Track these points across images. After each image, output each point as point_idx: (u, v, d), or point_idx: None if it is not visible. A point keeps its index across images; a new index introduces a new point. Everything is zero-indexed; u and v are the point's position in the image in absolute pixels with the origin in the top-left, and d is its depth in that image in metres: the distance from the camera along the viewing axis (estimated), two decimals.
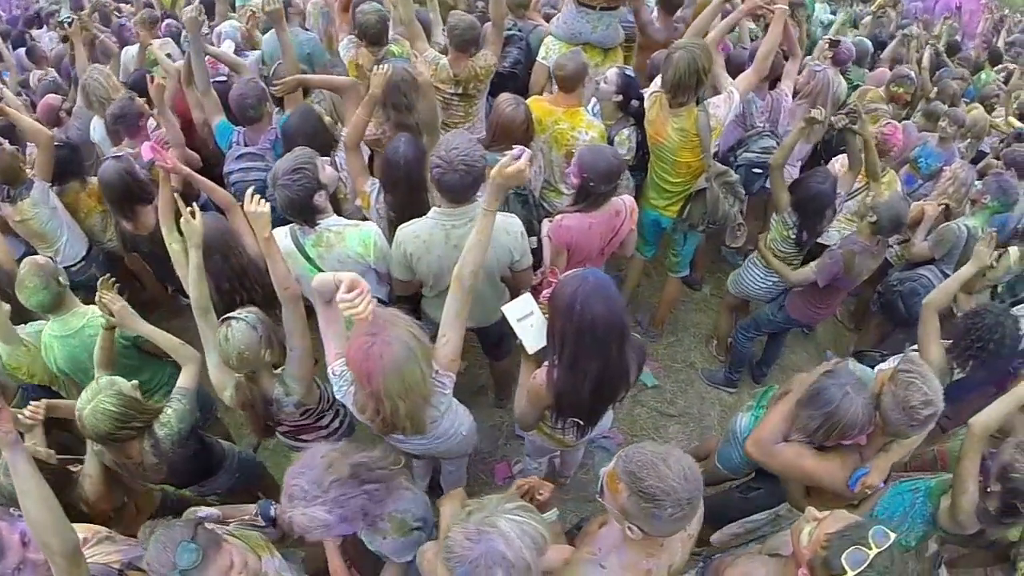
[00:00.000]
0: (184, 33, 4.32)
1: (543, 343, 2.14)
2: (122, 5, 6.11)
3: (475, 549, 1.37)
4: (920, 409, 1.97)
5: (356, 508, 1.74)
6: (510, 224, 2.56)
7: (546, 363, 2.12)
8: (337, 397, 2.14)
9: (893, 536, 1.52)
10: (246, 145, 3.30)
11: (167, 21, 5.03)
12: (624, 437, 3.70)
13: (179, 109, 3.84)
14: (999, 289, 3.96)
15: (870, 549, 1.50)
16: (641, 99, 3.31)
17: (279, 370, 2.41)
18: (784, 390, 2.43)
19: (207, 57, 3.40)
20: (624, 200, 2.88)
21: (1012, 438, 2.25)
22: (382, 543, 2.00)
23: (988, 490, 2.18)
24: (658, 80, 3.07)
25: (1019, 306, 3.60)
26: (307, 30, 4.42)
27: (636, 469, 1.49)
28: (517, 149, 2.02)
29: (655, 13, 4.08)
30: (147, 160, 2.92)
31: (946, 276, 3.63)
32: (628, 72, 3.31)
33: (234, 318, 2.24)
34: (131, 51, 4.72)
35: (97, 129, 3.88)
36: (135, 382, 2.30)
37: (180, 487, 2.69)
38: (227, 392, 2.36)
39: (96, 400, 2.12)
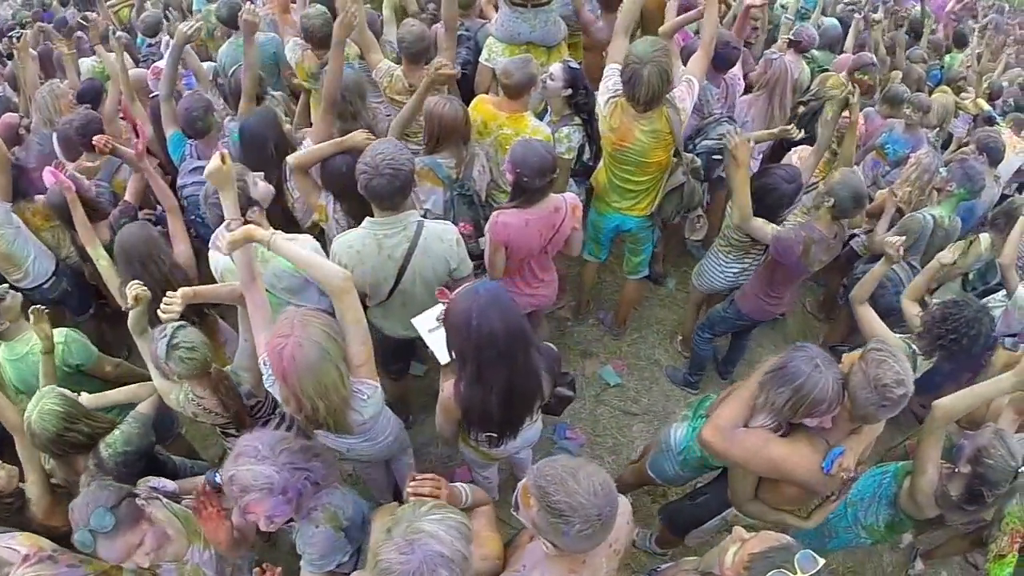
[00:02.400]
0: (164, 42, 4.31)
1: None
2: (89, 13, 6.08)
3: (412, 560, 1.38)
4: (893, 388, 1.86)
5: (299, 482, 1.80)
6: (444, 232, 2.53)
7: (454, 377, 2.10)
8: (267, 387, 2.18)
9: (821, 563, 1.45)
10: (199, 158, 3.29)
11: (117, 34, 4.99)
12: (587, 437, 3.68)
13: (129, 119, 3.85)
14: (970, 276, 3.93)
15: (794, 574, 1.43)
16: (588, 90, 3.26)
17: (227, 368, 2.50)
18: (726, 394, 2.37)
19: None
20: (565, 197, 2.84)
21: (992, 424, 2.27)
22: (314, 533, 2.00)
23: (956, 470, 2.17)
24: (608, 84, 2.99)
25: (991, 296, 3.57)
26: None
27: (545, 484, 1.47)
28: None
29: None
30: (50, 185, 2.97)
31: (912, 268, 3.60)
32: (572, 65, 3.25)
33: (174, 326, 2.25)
34: (87, 63, 4.69)
35: (57, 145, 3.85)
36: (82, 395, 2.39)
37: None
38: (172, 396, 2.39)
39: (40, 404, 2.21)
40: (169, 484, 2.30)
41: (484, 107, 3.20)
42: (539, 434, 2.75)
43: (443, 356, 2.16)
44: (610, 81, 3.00)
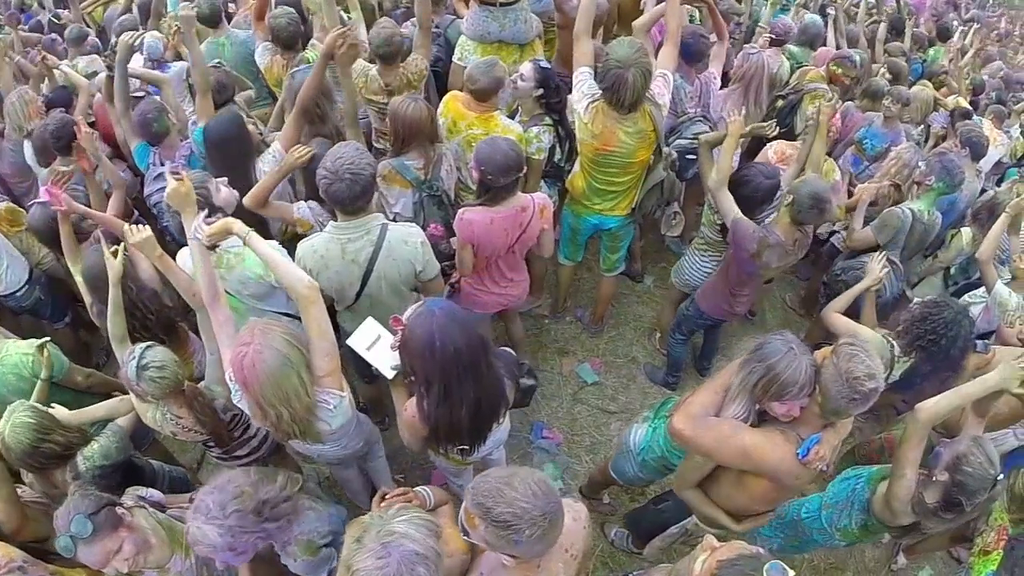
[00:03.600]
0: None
1: (399, 363, 2.12)
2: (62, 12, 6.04)
3: (390, 562, 1.40)
4: (864, 381, 1.83)
5: (248, 543, 1.82)
6: (408, 234, 2.52)
7: (414, 397, 2.08)
8: (235, 402, 2.20)
9: (791, 574, 1.44)
10: (162, 164, 3.26)
11: (89, 39, 4.97)
12: (564, 436, 3.67)
13: (102, 124, 3.81)
14: (952, 271, 3.93)
15: None
16: (559, 89, 3.22)
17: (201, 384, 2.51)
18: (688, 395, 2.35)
19: None
20: (533, 197, 2.82)
21: (967, 433, 2.23)
22: (295, 565, 2.10)
23: (933, 478, 2.13)
24: (583, 88, 2.93)
25: (973, 292, 3.56)
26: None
27: (484, 499, 1.47)
28: None
29: None
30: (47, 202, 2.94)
31: (892, 263, 3.59)
32: (543, 64, 3.20)
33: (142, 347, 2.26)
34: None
35: (28, 151, 3.81)
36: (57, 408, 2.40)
37: None
38: (149, 415, 2.38)
39: (12, 417, 2.20)
40: (156, 494, 2.33)
41: (454, 105, 3.18)
42: (508, 432, 2.76)
43: (388, 371, 2.15)
44: (584, 86, 2.94)
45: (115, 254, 2.46)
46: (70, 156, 3.45)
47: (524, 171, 2.73)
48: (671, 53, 3.07)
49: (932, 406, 2.17)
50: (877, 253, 3.19)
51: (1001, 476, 2.12)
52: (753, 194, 3.09)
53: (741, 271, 3.09)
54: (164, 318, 2.75)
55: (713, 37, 3.81)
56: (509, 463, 3.35)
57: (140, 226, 2.33)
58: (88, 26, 5.92)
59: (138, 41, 3.17)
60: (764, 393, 1.92)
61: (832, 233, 4.25)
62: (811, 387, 1.91)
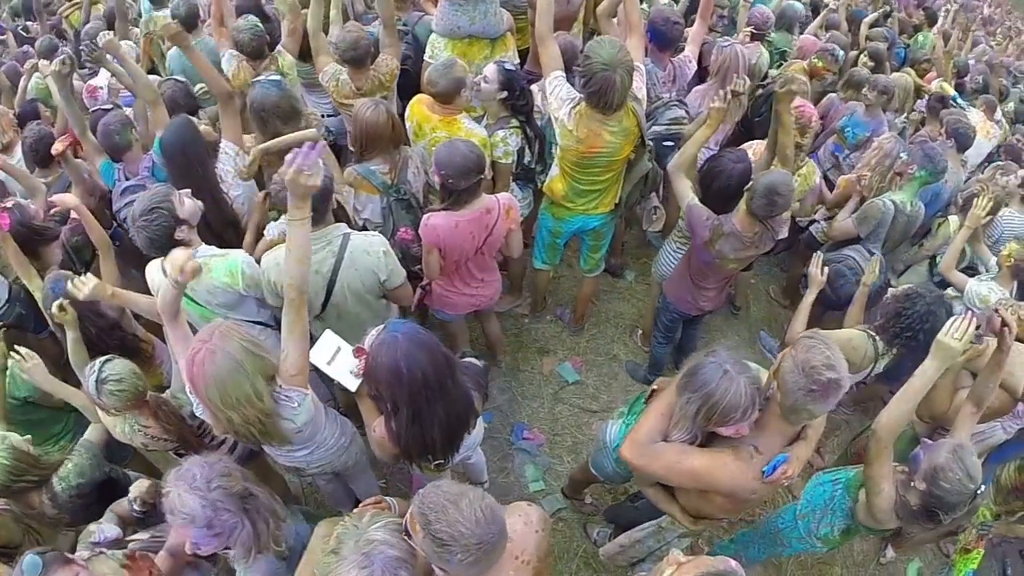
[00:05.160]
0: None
1: (357, 370, 2.12)
2: (31, 24, 6.00)
3: (374, 571, 1.45)
4: (822, 371, 1.79)
5: (227, 526, 1.76)
6: (370, 245, 2.51)
7: (382, 417, 2.08)
8: (196, 414, 2.21)
9: None
10: (127, 179, 3.23)
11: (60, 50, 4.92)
12: (546, 436, 3.66)
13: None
14: (938, 259, 3.88)
15: None
16: (525, 91, 3.18)
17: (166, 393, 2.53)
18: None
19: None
20: (499, 198, 2.79)
21: (951, 439, 2.15)
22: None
23: (912, 484, 2.07)
24: (560, 93, 2.87)
25: (975, 279, 3.50)
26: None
27: (428, 511, 1.46)
28: (306, 145, 1.89)
29: None
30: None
31: (873, 256, 3.55)
32: (507, 66, 3.15)
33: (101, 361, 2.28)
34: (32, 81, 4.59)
35: None
36: (28, 437, 2.35)
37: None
38: (118, 428, 2.38)
39: None
40: (110, 532, 2.26)
41: (419, 108, 3.14)
42: (482, 434, 2.77)
43: (351, 384, 2.15)
44: (561, 91, 2.87)
45: (62, 308, 2.45)
46: (48, 168, 3.46)
47: (485, 173, 2.70)
48: (637, 44, 3.01)
49: (887, 419, 2.14)
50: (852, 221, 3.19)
51: (982, 489, 2.05)
52: (727, 183, 3.02)
53: (699, 259, 3.06)
54: (127, 345, 2.77)
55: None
56: (490, 465, 3.36)
57: (84, 278, 2.34)
58: (64, 32, 5.91)
59: (61, 67, 3.07)
60: (707, 422, 1.90)
61: (812, 222, 4.21)
62: (755, 407, 1.87)
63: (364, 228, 3.03)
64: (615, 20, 3.33)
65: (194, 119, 3.11)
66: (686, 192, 2.94)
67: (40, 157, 3.46)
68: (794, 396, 1.85)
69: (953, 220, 3.85)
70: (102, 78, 4.08)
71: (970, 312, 2.08)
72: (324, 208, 2.37)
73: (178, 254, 2.30)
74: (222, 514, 1.73)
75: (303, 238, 2.03)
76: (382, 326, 2.03)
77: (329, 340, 2.20)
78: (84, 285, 2.32)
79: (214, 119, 3.58)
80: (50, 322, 2.70)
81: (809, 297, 3.01)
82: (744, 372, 1.86)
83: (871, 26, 5.57)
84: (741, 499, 2.07)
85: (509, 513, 1.84)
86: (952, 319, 2.05)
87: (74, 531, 2.69)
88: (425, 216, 2.72)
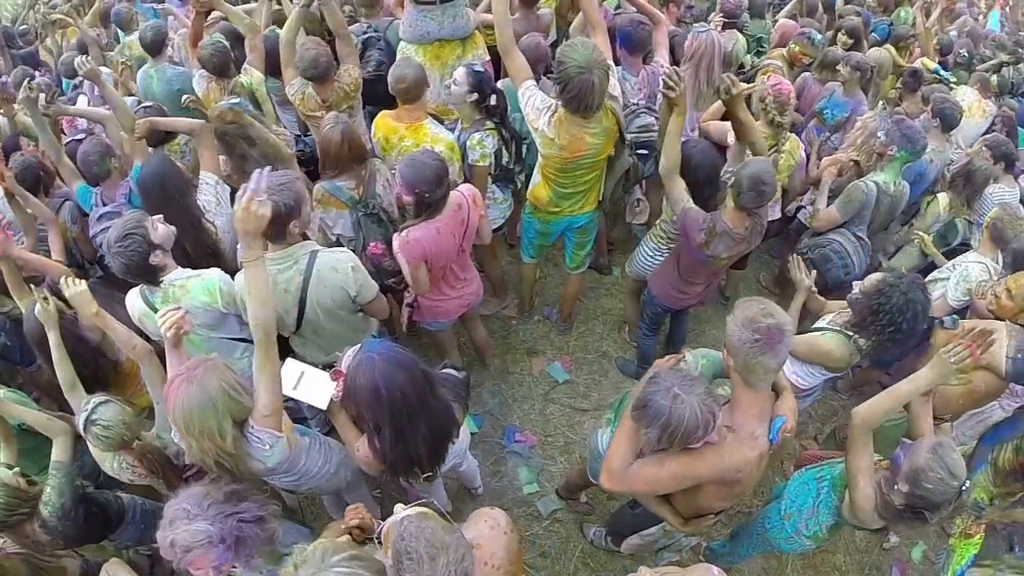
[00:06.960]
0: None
1: (331, 392, 2.12)
2: None
3: None
4: (759, 318, 1.83)
5: (231, 529, 1.79)
6: (338, 262, 2.49)
7: (364, 436, 2.10)
8: (175, 440, 2.22)
9: None
10: (104, 205, 3.27)
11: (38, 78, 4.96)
12: (538, 438, 3.65)
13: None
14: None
15: None
16: (496, 92, 3.16)
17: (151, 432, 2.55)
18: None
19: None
20: (461, 191, 2.79)
21: (930, 439, 2.10)
22: None
23: (895, 486, 2.04)
24: (534, 102, 2.84)
25: (937, 272, 3.49)
26: (176, 64, 4.30)
27: (406, 552, 1.46)
28: (252, 181, 1.88)
29: None
30: None
31: (859, 239, 3.51)
32: (477, 68, 3.13)
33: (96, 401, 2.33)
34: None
35: None
36: (16, 470, 2.40)
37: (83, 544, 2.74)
38: (107, 464, 2.44)
39: None
40: None
41: (384, 122, 3.14)
42: (467, 443, 2.79)
43: (322, 404, 2.15)
44: (535, 99, 2.83)
45: (46, 300, 2.48)
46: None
47: (458, 175, 2.72)
48: (603, 42, 2.96)
49: (866, 411, 2.14)
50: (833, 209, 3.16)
51: (967, 485, 2.04)
52: (698, 168, 2.99)
53: (692, 259, 3.03)
54: (101, 371, 2.78)
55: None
56: (482, 469, 3.38)
57: (75, 280, 2.39)
58: (41, 62, 5.96)
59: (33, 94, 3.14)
60: (671, 445, 1.90)
61: (799, 208, 4.16)
62: (715, 419, 1.86)
63: (338, 243, 3.03)
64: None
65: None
66: (681, 196, 2.89)
67: (29, 186, 3.47)
68: (743, 353, 1.87)
69: (942, 197, 3.79)
70: (82, 102, 4.11)
71: (974, 345, 2.04)
72: (283, 228, 2.34)
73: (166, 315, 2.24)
74: (226, 522, 1.77)
75: (261, 279, 1.97)
76: (358, 346, 2.03)
77: (291, 367, 2.20)
78: (75, 285, 2.37)
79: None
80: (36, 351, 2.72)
81: (797, 302, 2.94)
82: (693, 389, 1.84)
83: (846, 2, 5.51)
84: (730, 482, 2.05)
85: (475, 520, 1.86)
86: (953, 345, 2.03)
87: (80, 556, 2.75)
88: (402, 234, 2.69)
